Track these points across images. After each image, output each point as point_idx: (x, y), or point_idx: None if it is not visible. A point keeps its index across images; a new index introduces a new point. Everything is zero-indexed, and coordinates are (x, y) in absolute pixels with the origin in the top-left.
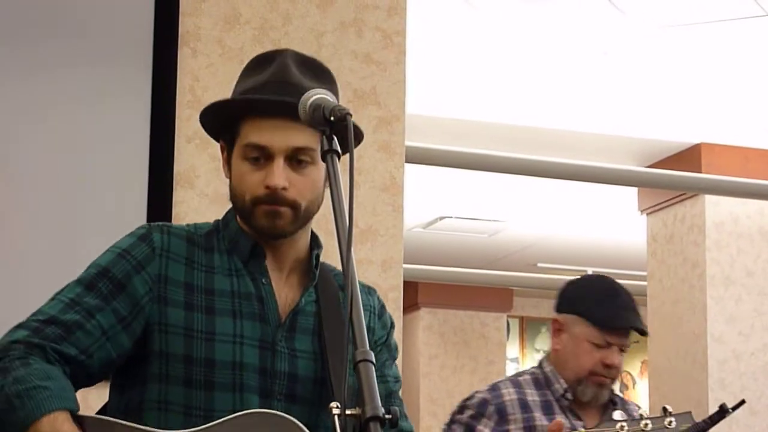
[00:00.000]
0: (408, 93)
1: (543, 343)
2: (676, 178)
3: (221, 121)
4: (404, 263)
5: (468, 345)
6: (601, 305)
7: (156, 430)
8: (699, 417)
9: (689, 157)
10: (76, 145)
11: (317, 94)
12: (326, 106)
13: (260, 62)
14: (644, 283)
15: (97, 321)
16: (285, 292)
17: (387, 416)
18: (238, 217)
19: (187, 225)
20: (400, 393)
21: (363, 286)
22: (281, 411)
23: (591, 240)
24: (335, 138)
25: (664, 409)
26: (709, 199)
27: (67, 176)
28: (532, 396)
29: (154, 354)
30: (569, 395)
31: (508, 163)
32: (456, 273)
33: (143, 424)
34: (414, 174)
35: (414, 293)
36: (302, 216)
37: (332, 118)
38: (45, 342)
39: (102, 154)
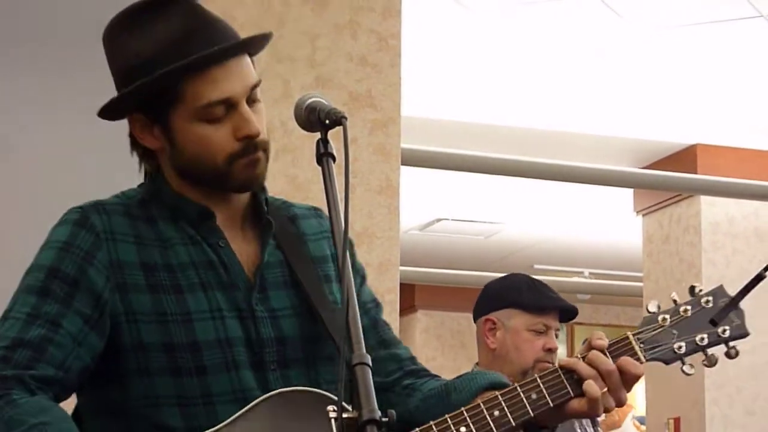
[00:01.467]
0: (403, 95)
1: None
2: (671, 179)
3: (148, 96)
4: (401, 265)
5: (465, 347)
6: (531, 292)
7: None
8: (696, 420)
9: (685, 158)
10: (72, 146)
11: (312, 98)
12: (322, 109)
13: (149, 12)
14: (640, 284)
15: (65, 329)
16: (245, 249)
17: (384, 419)
18: (170, 183)
19: (116, 196)
20: (383, 315)
21: (308, 208)
22: (277, 381)
23: (587, 241)
24: (330, 141)
25: (692, 289)
26: (704, 199)
27: (62, 178)
28: None
29: (127, 347)
30: None
31: (505, 165)
32: (453, 275)
33: (135, 423)
34: (410, 176)
35: (411, 296)
36: (269, 155)
37: (328, 122)
38: (19, 371)
39: (98, 155)
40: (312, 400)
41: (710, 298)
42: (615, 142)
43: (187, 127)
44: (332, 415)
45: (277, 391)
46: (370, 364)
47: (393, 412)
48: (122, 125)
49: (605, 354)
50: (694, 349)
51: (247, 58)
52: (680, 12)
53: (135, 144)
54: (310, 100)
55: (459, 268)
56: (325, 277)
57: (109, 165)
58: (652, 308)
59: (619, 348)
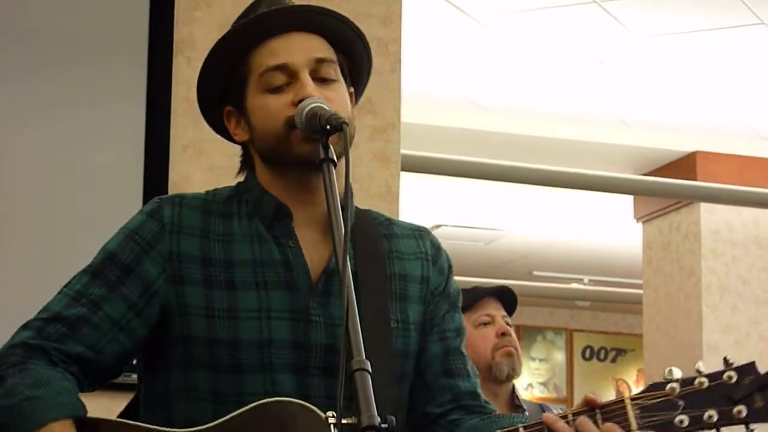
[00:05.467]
0: (404, 101)
1: (539, 351)
2: (671, 186)
3: (225, 70)
4: None
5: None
6: (463, 295)
7: (161, 428)
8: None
9: (685, 165)
10: (72, 154)
11: (313, 103)
12: (322, 114)
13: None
14: (640, 291)
15: (105, 312)
16: (319, 254)
17: (383, 425)
18: (259, 178)
19: (206, 192)
20: (463, 347)
21: (413, 229)
22: (320, 387)
23: (587, 248)
24: (331, 146)
25: (725, 361)
26: (704, 207)
27: (62, 185)
28: None
29: (175, 339)
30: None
31: (505, 172)
32: None
33: (171, 416)
34: (410, 182)
35: None
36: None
37: (328, 127)
38: (46, 342)
39: (97, 162)
40: (303, 414)
41: (734, 374)
42: (615, 149)
43: (254, 101)
44: (332, 421)
45: (267, 400)
46: (370, 370)
47: (392, 418)
48: (115, 138)
49: (595, 416)
50: (700, 426)
51: (319, 39)
52: (681, 19)
53: (235, 142)
54: (311, 105)
55: (458, 274)
56: (401, 295)
57: (109, 166)
58: (670, 375)
59: (611, 411)
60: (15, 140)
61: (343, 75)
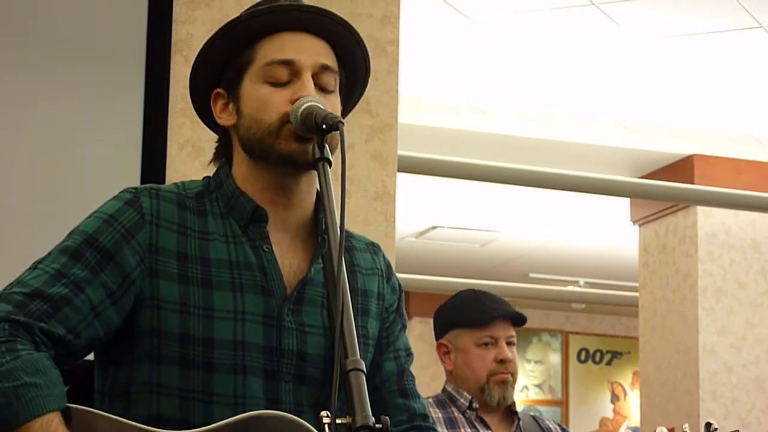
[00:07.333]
0: (401, 102)
1: (534, 353)
2: (668, 189)
3: (227, 52)
4: (396, 273)
5: None
6: (471, 308)
7: (149, 428)
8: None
9: (682, 168)
10: (69, 152)
11: (310, 102)
12: (318, 113)
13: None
14: (636, 294)
15: (86, 295)
16: (289, 259)
17: (377, 425)
18: (234, 171)
19: (176, 185)
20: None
21: (367, 243)
22: (289, 393)
23: (583, 250)
24: (327, 146)
25: (708, 426)
26: (701, 210)
27: (59, 184)
28: (436, 414)
29: (145, 332)
30: (475, 404)
31: (501, 173)
32: (448, 283)
33: (131, 409)
34: (406, 183)
35: (406, 303)
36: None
37: (324, 126)
38: (31, 321)
39: (95, 161)
40: (287, 427)
41: None
42: (612, 152)
43: (252, 88)
44: (326, 420)
45: (255, 413)
46: (365, 369)
47: (386, 418)
48: (112, 137)
49: None
50: None
51: (327, 46)
52: (679, 22)
53: (216, 126)
54: (306, 105)
55: (454, 275)
56: (362, 310)
57: (106, 165)
58: None
59: None
60: (11, 138)
61: (339, 89)
